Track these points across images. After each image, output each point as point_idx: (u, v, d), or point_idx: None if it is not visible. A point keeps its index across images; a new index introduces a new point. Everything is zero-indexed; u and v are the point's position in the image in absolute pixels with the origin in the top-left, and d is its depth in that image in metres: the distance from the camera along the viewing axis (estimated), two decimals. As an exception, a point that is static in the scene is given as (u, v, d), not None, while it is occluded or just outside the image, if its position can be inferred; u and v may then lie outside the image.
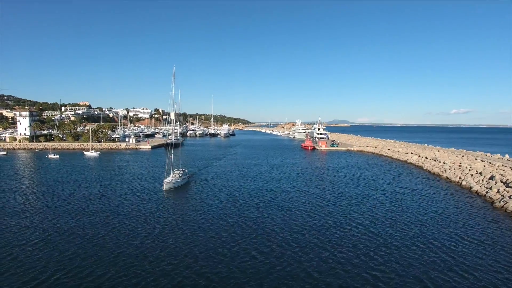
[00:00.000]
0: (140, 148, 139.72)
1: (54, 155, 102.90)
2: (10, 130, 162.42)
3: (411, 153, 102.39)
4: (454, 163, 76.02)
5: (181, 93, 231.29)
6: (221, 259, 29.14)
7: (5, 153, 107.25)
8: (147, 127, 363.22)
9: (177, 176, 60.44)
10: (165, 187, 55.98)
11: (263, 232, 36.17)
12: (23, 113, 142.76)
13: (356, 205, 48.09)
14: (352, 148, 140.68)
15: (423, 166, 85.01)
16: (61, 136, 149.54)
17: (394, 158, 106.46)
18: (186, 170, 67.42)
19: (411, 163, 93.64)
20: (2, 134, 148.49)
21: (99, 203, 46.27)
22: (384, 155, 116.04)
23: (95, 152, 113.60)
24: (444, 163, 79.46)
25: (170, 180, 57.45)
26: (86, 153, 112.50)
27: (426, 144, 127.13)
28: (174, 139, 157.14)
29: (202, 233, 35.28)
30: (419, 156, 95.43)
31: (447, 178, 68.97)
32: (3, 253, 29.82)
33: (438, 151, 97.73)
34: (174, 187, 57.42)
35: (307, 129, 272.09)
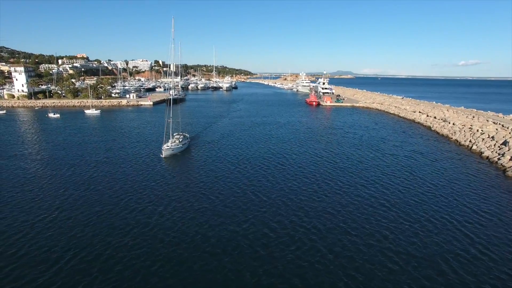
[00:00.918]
0: (141, 105, 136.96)
1: (54, 114, 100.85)
2: (7, 86, 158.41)
3: (419, 112, 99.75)
4: (464, 125, 73.88)
5: (181, 45, 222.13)
6: (232, 237, 28.72)
7: (4, 111, 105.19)
8: (147, 80, 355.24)
9: (177, 141, 57.03)
10: (164, 154, 52.84)
11: (273, 204, 35.58)
12: (18, 68, 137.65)
13: (366, 172, 47.17)
14: (357, 105, 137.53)
15: (431, 126, 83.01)
16: (60, 92, 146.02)
17: (401, 117, 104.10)
18: (187, 134, 63.96)
19: (418, 123, 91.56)
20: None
21: (103, 172, 45.34)
22: (391, 113, 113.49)
23: (96, 110, 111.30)
24: (453, 124, 77.33)
25: (169, 146, 54.29)
26: (86, 111, 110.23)
27: (434, 102, 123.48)
28: (176, 94, 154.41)
29: (210, 209, 34.43)
30: (427, 116, 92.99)
31: (457, 141, 67.38)
32: (12, 231, 29.46)
33: (447, 111, 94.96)
34: (173, 154, 54.59)
35: (311, 81, 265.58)
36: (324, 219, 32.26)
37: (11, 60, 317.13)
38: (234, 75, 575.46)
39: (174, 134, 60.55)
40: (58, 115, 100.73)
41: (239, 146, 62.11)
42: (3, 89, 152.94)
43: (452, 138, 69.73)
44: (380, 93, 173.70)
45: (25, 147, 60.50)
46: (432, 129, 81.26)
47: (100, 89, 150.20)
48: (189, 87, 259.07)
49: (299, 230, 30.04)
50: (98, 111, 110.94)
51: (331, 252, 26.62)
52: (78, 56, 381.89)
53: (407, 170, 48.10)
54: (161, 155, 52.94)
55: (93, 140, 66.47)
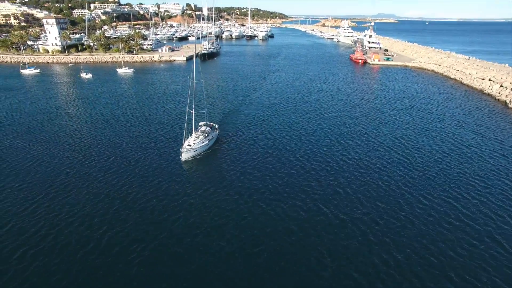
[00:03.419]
0: (174, 61, 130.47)
1: (86, 74, 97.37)
2: (41, 40, 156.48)
3: (490, 80, 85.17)
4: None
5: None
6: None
7: (38, 71, 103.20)
8: (180, 25, 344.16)
9: (202, 137, 44.85)
10: (183, 156, 41.33)
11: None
12: (49, 20, 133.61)
13: (441, 180, 39.34)
14: (410, 64, 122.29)
15: (508, 103, 69.99)
16: (91, 45, 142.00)
17: (465, 84, 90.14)
18: (215, 124, 50.34)
19: (489, 95, 78.32)
20: (35, 44, 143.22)
21: (127, 158, 41.48)
22: (451, 78, 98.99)
23: (128, 69, 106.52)
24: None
25: (190, 146, 42.54)
26: (119, 70, 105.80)
27: (507, 65, 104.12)
28: (210, 48, 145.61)
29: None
30: (501, 86, 78.98)
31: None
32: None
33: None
34: (197, 154, 43.18)
35: (352, 28, 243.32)
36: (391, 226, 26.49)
37: (46, 4, 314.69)
38: (268, 19, 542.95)
39: (200, 124, 49.52)
40: (91, 75, 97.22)
41: (284, 134, 51.57)
42: (38, 41, 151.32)
43: (535, 121, 58.01)
44: (435, 49, 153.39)
45: (59, 123, 57.43)
46: (510, 106, 68.47)
47: (131, 41, 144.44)
48: (223, 36, 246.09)
49: None
50: (131, 70, 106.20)
51: None
52: (110, 0, 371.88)
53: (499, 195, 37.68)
54: (180, 157, 41.63)
55: (125, 113, 62.31)
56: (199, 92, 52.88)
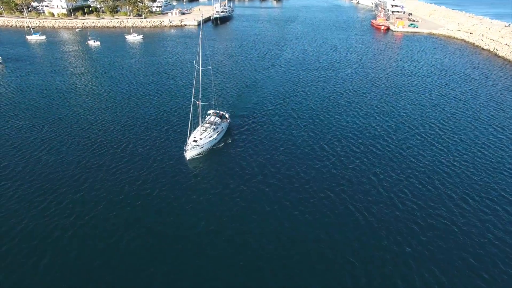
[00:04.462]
0: (185, 26, 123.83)
1: (94, 41, 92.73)
2: (46, 1, 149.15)
3: (529, 53, 77.91)
4: None
5: None
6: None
7: (44, 37, 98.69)
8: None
9: (209, 130, 39.63)
10: (188, 155, 36.57)
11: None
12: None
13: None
14: (437, 32, 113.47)
15: (549, 80, 63.99)
16: (98, 7, 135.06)
17: (500, 57, 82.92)
18: (225, 113, 44.72)
19: (527, 70, 71.86)
20: (40, 5, 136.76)
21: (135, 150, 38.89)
22: (484, 49, 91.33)
23: (137, 35, 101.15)
24: None
25: (196, 142, 37.46)
26: (128, 37, 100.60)
27: None
28: (222, 11, 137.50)
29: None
30: (542, 61, 72.13)
31: None
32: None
33: None
34: (203, 152, 38.10)
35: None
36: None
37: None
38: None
39: (209, 113, 44.15)
40: (98, 42, 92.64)
41: (307, 117, 47.89)
42: (43, 2, 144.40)
43: None
44: (466, 13, 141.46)
45: (68, 89, 54.57)
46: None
47: (140, 3, 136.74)
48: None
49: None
50: (140, 37, 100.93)
51: None
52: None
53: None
54: (184, 154, 36.68)
55: (133, 89, 58.96)
56: (207, 81, 48.44)
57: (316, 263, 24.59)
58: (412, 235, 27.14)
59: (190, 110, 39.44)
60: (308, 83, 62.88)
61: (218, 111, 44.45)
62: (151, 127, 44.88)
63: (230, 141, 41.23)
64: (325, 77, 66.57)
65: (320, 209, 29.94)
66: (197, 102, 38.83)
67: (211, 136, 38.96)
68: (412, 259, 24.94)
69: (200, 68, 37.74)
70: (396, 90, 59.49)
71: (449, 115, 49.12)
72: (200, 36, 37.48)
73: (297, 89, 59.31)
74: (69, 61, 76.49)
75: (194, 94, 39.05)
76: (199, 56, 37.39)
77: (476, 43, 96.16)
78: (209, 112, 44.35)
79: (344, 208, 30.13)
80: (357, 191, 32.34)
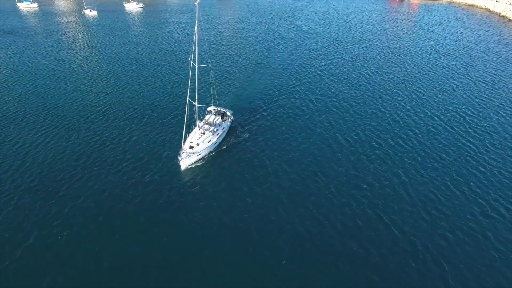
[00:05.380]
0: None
1: (91, 10, 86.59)
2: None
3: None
4: None
5: None
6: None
7: (36, 5, 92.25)
8: None
9: (208, 133, 34.52)
10: (183, 164, 31.59)
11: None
12: None
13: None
14: (457, 0, 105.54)
15: None
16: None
17: (528, 30, 76.78)
18: (227, 111, 38.60)
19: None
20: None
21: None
22: (511, 20, 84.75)
23: (137, 4, 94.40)
24: None
25: (193, 149, 32.52)
26: (126, 6, 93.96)
27: None
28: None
29: None
30: None
31: None
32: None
33: None
34: (201, 159, 32.97)
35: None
36: None
37: None
38: None
39: (208, 110, 38.98)
40: (95, 12, 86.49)
41: (322, 106, 44.24)
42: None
43: None
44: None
45: (66, 70, 50.75)
46: None
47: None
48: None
49: None
50: (140, 6, 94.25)
51: None
52: None
53: None
54: (179, 163, 31.43)
55: (131, 69, 54.82)
56: (206, 78, 43.18)
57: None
58: (445, 255, 24.65)
59: (185, 111, 33.31)
60: (322, 62, 58.26)
61: (219, 108, 39.11)
62: (145, 124, 41.46)
63: (233, 142, 36.21)
64: (340, 55, 61.72)
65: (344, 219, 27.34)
66: (194, 103, 33.24)
67: (209, 141, 33.77)
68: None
69: (197, 66, 31.99)
70: (417, 71, 55.00)
71: (476, 103, 45.17)
72: (196, 27, 31.02)
73: (310, 71, 54.87)
74: (66, 35, 71.43)
75: (189, 94, 33.50)
76: (194, 50, 31.68)
77: (502, 13, 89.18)
78: (208, 109, 39.17)
79: (373, 213, 27.54)
80: (383, 196, 29.59)
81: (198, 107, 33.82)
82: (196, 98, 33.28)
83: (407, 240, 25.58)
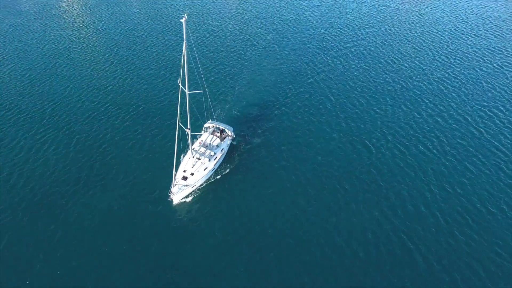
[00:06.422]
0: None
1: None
2: None
3: None
4: None
5: None
6: None
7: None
8: None
9: (203, 159, 29.43)
10: (175, 198, 27.57)
11: None
12: None
13: None
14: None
15: None
16: None
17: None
18: (227, 129, 33.13)
19: None
20: None
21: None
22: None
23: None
24: None
25: (186, 181, 28.00)
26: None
27: None
28: None
29: None
30: None
31: None
32: None
33: None
34: (196, 190, 28.75)
35: None
36: None
37: None
38: None
39: (206, 126, 33.45)
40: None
41: (342, 108, 41.67)
42: None
43: None
44: None
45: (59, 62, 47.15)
46: None
47: None
48: None
49: None
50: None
51: None
52: None
53: None
54: (170, 197, 27.45)
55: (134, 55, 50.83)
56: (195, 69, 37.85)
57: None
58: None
59: (175, 137, 28.26)
60: (339, 48, 53.24)
61: (217, 124, 33.62)
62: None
63: (237, 162, 31.58)
64: (359, 38, 56.47)
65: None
66: (186, 129, 28.88)
67: (206, 168, 29.14)
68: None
69: (187, 92, 27.30)
70: (442, 58, 50.56)
71: (506, 99, 41.49)
72: (184, 48, 25.21)
73: (326, 59, 50.26)
74: (60, 11, 65.89)
75: (179, 120, 28.59)
76: (183, 74, 26.52)
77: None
78: (206, 125, 33.84)
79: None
80: (408, 218, 27.46)
81: (191, 135, 29.20)
82: (189, 126, 28.54)
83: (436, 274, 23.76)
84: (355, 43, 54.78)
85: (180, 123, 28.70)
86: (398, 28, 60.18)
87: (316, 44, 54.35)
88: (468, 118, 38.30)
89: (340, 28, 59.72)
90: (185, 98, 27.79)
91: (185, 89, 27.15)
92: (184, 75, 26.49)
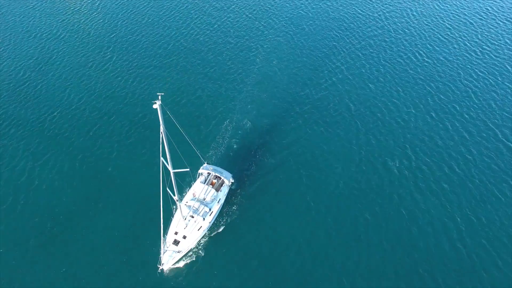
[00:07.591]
0: None
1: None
2: None
3: None
4: None
5: None
6: None
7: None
8: None
9: (197, 218, 25.98)
10: (166, 267, 24.53)
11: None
12: None
13: None
14: None
15: None
16: None
17: None
18: (225, 178, 29.08)
19: None
20: None
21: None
22: None
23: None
24: None
25: (178, 246, 25.20)
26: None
27: None
28: None
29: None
30: None
31: None
32: None
33: None
34: (186, 255, 25.66)
35: None
36: None
37: None
38: None
39: (200, 172, 29.33)
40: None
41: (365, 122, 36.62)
42: None
43: None
44: None
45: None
46: None
47: None
48: None
49: None
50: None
51: None
52: None
53: None
54: (159, 270, 24.30)
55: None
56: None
57: None
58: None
59: (160, 205, 24.77)
60: (357, 44, 48.44)
61: (213, 170, 29.13)
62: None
63: (236, 212, 28.12)
64: (379, 31, 51.10)
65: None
66: (174, 197, 25.04)
67: (200, 227, 25.87)
68: None
69: (172, 171, 23.65)
70: (470, 55, 45.47)
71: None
72: (161, 131, 21.45)
73: (344, 57, 46.05)
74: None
75: (163, 189, 24.65)
76: (164, 152, 22.87)
77: None
78: (200, 171, 29.43)
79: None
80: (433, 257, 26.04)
81: (180, 205, 25.73)
82: (176, 192, 24.69)
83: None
84: (374, 39, 49.95)
85: (167, 188, 25.06)
86: (421, 20, 53.87)
87: (331, 40, 49.67)
88: (499, 134, 35.24)
89: (357, 21, 54.00)
90: (167, 170, 24.05)
91: (168, 166, 23.49)
92: (165, 154, 22.91)
